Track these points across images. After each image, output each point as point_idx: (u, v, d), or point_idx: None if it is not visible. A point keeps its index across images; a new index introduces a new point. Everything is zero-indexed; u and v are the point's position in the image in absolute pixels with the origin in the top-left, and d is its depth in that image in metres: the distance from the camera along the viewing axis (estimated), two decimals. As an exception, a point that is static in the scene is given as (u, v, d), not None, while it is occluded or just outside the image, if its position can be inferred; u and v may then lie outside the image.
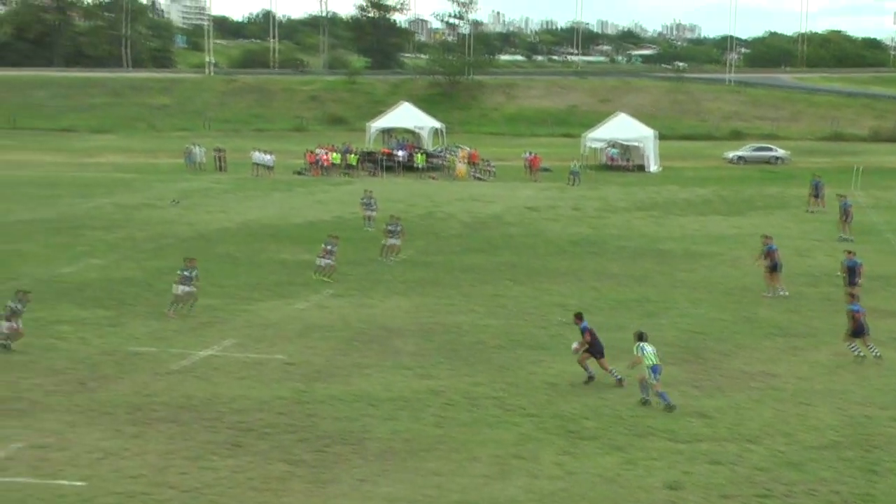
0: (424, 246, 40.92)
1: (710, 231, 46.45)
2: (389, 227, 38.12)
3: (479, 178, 68.33)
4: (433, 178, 68.52)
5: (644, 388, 21.86)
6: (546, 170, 70.29)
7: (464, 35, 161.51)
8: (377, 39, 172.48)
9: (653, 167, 74.14)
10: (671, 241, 43.56)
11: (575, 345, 23.53)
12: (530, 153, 71.38)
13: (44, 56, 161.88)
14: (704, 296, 32.67)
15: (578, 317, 23.70)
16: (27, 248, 40.31)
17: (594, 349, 23.15)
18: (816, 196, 52.30)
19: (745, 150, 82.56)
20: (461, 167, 70.15)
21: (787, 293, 32.59)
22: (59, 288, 32.73)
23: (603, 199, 57.60)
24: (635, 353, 22.00)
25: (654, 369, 21.65)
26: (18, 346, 25.48)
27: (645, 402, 21.71)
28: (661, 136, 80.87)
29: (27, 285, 32.82)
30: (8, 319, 25.38)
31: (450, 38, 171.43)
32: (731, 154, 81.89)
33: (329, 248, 34.24)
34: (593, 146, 76.20)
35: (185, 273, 29.28)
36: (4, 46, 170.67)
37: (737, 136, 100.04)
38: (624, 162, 74.92)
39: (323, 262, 34.17)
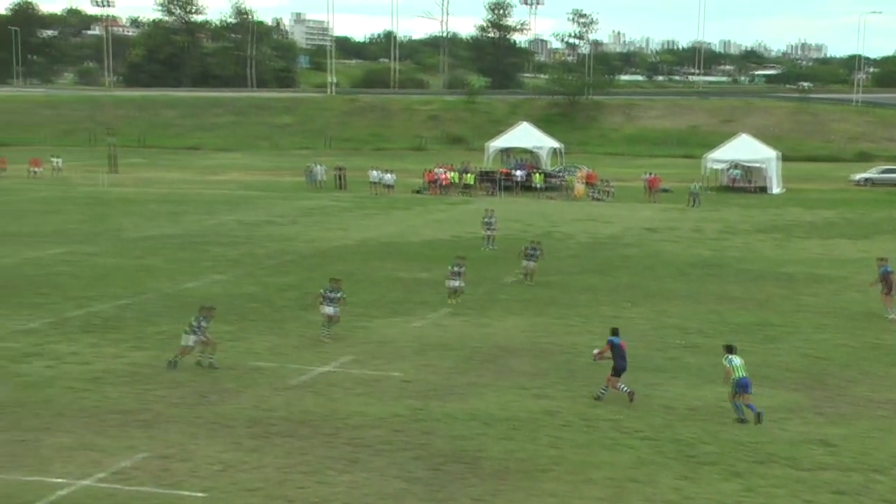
0: (542, 266, 40.72)
1: (835, 255, 45.34)
2: (529, 251, 37.77)
3: (597, 199, 67.90)
4: (551, 198, 68.34)
5: (738, 408, 21.83)
6: (666, 190, 69.54)
7: (584, 55, 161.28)
8: (497, 59, 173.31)
9: (775, 189, 72.76)
10: (794, 264, 42.64)
11: (595, 351, 24.14)
12: (650, 174, 70.72)
13: (173, 76, 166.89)
14: (829, 321, 31.88)
15: (613, 331, 23.91)
16: (154, 262, 41.42)
17: (615, 364, 23.28)
18: None
19: (872, 172, 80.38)
20: (580, 187, 69.85)
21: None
22: (183, 302, 33.49)
23: (724, 220, 56.72)
24: (725, 364, 22.14)
25: (743, 382, 21.76)
26: (147, 359, 26.18)
27: (742, 421, 21.64)
28: (785, 158, 79.31)
29: (153, 299, 33.82)
30: (193, 333, 25.72)
31: (570, 58, 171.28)
32: (857, 176, 79.83)
33: (457, 269, 34.05)
34: (714, 167, 75.17)
35: (330, 294, 28.91)
36: (136, 67, 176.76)
37: (864, 157, 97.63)
38: (745, 183, 73.70)
39: (452, 283, 33.95)
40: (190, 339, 25.65)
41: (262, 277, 38.49)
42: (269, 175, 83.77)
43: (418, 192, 70.90)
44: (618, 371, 23.27)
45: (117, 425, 21.25)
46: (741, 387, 21.77)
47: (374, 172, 70.92)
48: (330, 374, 25.29)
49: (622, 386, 23.24)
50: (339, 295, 29.04)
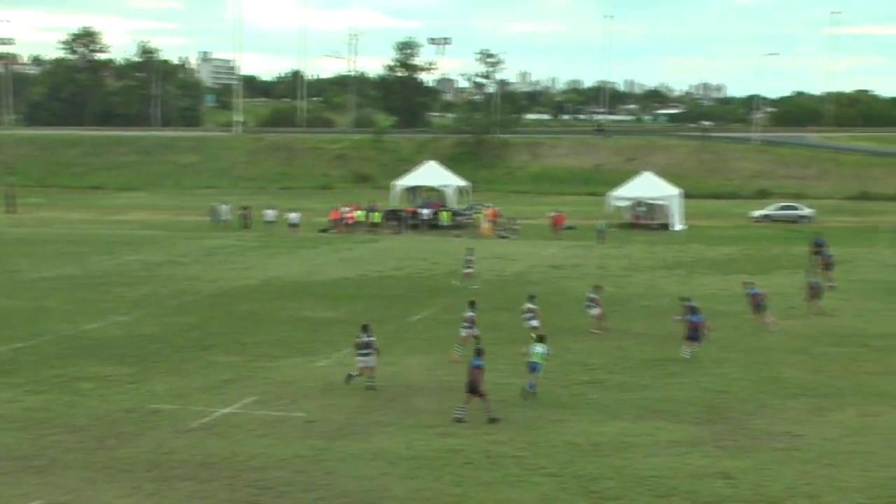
0: (447, 304, 40.84)
1: (734, 290, 45.97)
2: (591, 296, 36.66)
3: (503, 237, 68.33)
4: (457, 237, 68.59)
5: (531, 385, 26.47)
6: (570, 228, 70.29)
7: (491, 94, 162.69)
8: (405, 98, 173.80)
9: (677, 226, 74.02)
10: (695, 300, 43.02)
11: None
12: (555, 211, 71.42)
13: (76, 115, 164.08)
14: (728, 355, 32.39)
15: (478, 352, 25.70)
16: (52, 304, 40.56)
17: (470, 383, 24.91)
18: (818, 254, 50.67)
19: (770, 209, 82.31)
20: (486, 225, 70.26)
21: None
22: (82, 344, 32.87)
23: (628, 257, 57.42)
24: (525, 348, 27.52)
25: (533, 366, 26.67)
26: (43, 403, 25.60)
27: (524, 397, 26.27)
28: (687, 195, 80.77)
29: (50, 342, 33.08)
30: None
31: (477, 98, 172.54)
32: (756, 213, 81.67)
33: (533, 307, 33.52)
34: (618, 205, 76.27)
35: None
36: (38, 106, 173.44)
37: (763, 195, 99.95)
38: (648, 220, 74.84)
39: (531, 322, 33.33)
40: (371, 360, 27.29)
41: (164, 318, 37.92)
42: (173, 214, 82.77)
43: (325, 231, 70.64)
44: (470, 388, 25.03)
45: (11, 472, 20.69)
46: (531, 368, 26.62)
47: (270, 212, 70.65)
48: (232, 416, 24.95)
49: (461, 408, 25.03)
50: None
